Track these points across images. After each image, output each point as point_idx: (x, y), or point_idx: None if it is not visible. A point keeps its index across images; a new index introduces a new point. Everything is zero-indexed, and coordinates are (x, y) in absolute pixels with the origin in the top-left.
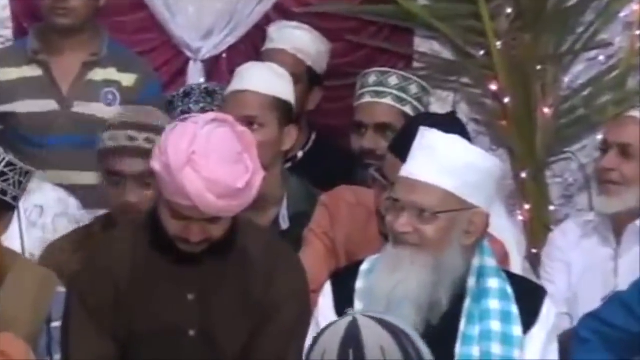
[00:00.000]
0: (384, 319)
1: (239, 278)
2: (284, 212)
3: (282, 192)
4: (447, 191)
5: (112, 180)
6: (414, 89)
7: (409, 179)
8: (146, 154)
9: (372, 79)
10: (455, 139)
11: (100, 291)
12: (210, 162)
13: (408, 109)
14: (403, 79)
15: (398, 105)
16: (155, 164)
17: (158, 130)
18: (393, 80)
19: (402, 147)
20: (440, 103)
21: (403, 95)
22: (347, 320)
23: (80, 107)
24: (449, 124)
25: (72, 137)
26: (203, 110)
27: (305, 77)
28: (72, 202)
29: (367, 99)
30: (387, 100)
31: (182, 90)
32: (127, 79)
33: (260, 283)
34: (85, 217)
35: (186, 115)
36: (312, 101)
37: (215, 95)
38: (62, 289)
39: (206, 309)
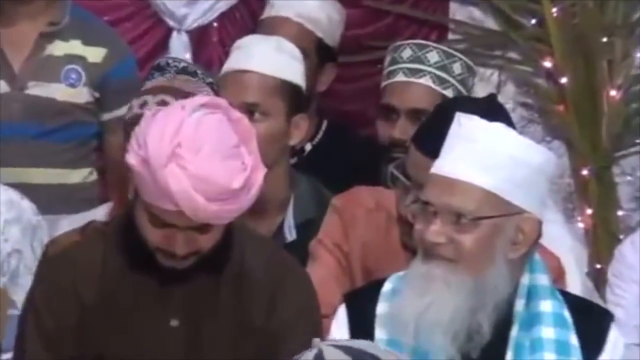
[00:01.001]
0: (351, 347)
1: (235, 300)
2: (289, 220)
3: (287, 194)
4: (490, 192)
5: None
6: (457, 68)
7: (442, 177)
8: None
9: (407, 53)
10: (499, 128)
11: (61, 311)
12: (200, 157)
13: (449, 93)
14: (445, 55)
15: (438, 88)
16: (132, 159)
17: None
18: (433, 56)
19: (428, 139)
20: (482, 84)
21: (444, 76)
22: (313, 352)
23: (37, 89)
24: (488, 109)
25: (26, 126)
26: None
27: (315, 52)
28: (27, 206)
29: (400, 77)
30: (425, 81)
31: (155, 62)
32: (94, 54)
33: (261, 307)
34: (42, 224)
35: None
36: (323, 81)
37: (195, 79)
38: (14, 312)
39: (194, 338)
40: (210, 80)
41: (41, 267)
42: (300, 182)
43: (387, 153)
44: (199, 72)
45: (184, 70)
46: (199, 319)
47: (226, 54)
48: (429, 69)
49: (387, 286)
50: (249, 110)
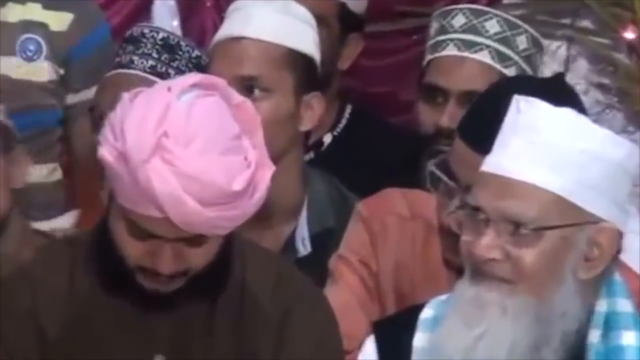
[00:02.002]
0: None
1: (235, 333)
2: (303, 230)
3: (300, 198)
4: (556, 195)
5: None
6: (522, 42)
7: (495, 176)
8: None
9: (459, 20)
10: (568, 116)
11: (17, 347)
12: (191, 150)
13: (510, 72)
14: (508, 25)
15: (497, 65)
16: (105, 153)
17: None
18: (492, 25)
19: (479, 129)
20: (545, 60)
21: (506, 51)
22: None
23: None
24: (554, 92)
25: None
26: (153, 72)
27: (336, 20)
28: None
29: (451, 51)
30: (482, 57)
31: (128, 33)
32: (58, 20)
33: (268, 341)
34: None
35: (121, 72)
36: (347, 56)
37: (177, 53)
38: None
39: None
40: (197, 54)
41: None
42: (316, 183)
43: (429, 146)
44: (182, 44)
45: (163, 43)
46: (189, 356)
47: (222, 22)
48: (487, 41)
49: (426, 313)
50: (247, 86)
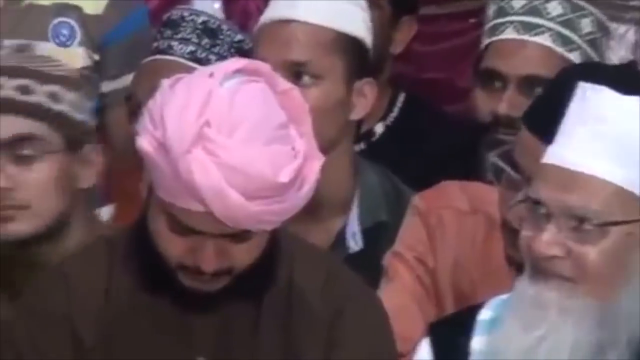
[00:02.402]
0: None
1: (281, 335)
2: (354, 224)
3: (351, 190)
4: (623, 189)
5: None
6: (586, 24)
7: (559, 168)
8: (19, 110)
9: (519, 2)
10: (637, 105)
11: (50, 351)
12: (235, 140)
13: (574, 57)
14: (571, 7)
15: (560, 49)
16: (144, 144)
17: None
18: (555, 7)
19: (544, 117)
20: (612, 44)
21: (569, 34)
22: None
23: None
24: (623, 79)
25: None
26: (193, 58)
27: (388, 1)
28: None
29: (510, 34)
30: (543, 40)
31: (166, 16)
32: (93, 3)
33: (317, 344)
34: None
35: (159, 58)
36: (399, 40)
37: (218, 37)
38: None
39: None
40: (239, 38)
41: (25, 293)
42: (367, 174)
43: (488, 135)
44: (224, 28)
45: (203, 27)
46: (232, 358)
47: (267, 4)
48: (549, 24)
49: (485, 314)
50: (295, 72)
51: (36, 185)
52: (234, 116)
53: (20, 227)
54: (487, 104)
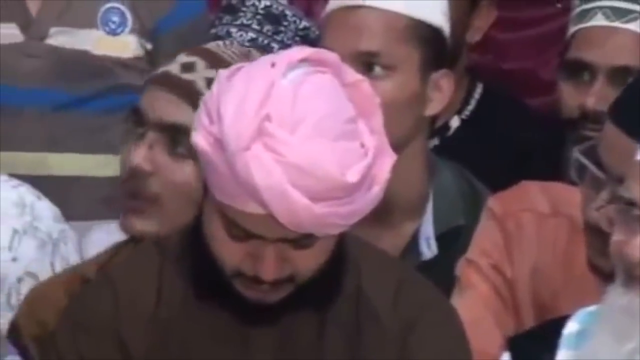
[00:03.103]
0: None
1: (348, 349)
2: (428, 229)
3: (425, 191)
4: None
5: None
6: None
7: None
8: (181, 91)
9: None
10: None
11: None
12: (299, 136)
13: None
14: None
15: None
16: (200, 140)
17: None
18: None
19: (633, 111)
20: None
21: None
22: None
23: (62, 38)
24: None
25: (47, 92)
26: (254, 45)
27: None
28: (45, 209)
29: (600, 21)
30: (636, 27)
31: (224, 1)
32: None
33: (388, 356)
34: (67, 235)
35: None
36: (477, 27)
37: (281, 24)
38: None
39: None
40: (304, 25)
41: (69, 299)
42: (443, 174)
43: (574, 131)
44: (287, 14)
45: (265, 12)
46: None
47: None
48: None
49: (571, 327)
50: (366, 62)
51: (180, 184)
52: (298, 110)
53: (146, 225)
54: (573, 98)
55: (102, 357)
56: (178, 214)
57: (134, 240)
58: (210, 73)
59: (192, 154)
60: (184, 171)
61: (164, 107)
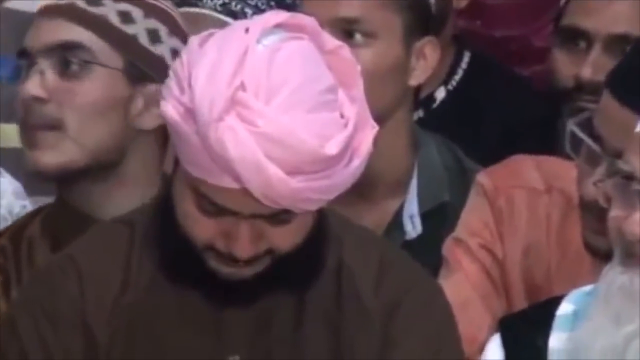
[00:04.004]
0: None
1: (329, 329)
2: (412, 206)
3: (408, 166)
4: None
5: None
6: None
7: None
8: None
9: None
10: None
11: (59, 350)
12: (274, 106)
13: None
14: None
15: None
16: (169, 110)
17: None
18: None
19: (632, 81)
20: None
21: None
22: None
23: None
24: None
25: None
26: (226, 10)
27: None
28: (4, 184)
29: None
30: None
31: None
32: None
33: (370, 343)
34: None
35: (185, 11)
36: None
37: None
38: None
39: None
40: None
41: (28, 279)
42: (428, 148)
43: (568, 102)
44: None
45: None
46: (271, 356)
47: None
48: None
49: (564, 307)
50: (346, 30)
51: (79, 104)
52: (274, 78)
53: (52, 156)
54: (568, 67)
55: (67, 344)
56: (87, 136)
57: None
58: (120, 6)
59: (87, 69)
60: (82, 90)
61: (47, 31)
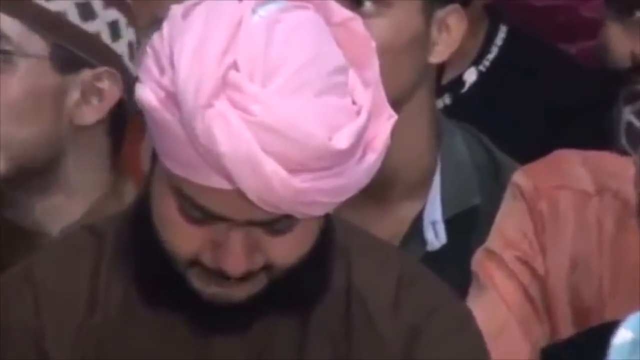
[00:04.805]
0: None
1: None
2: (434, 211)
3: (431, 163)
4: None
5: None
6: None
7: None
8: None
9: None
10: None
11: None
12: (272, 90)
13: None
14: None
15: None
16: (147, 94)
17: None
18: None
19: None
20: None
21: None
22: None
23: None
24: None
25: None
26: None
27: None
28: None
29: None
30: None
31: None
32: None
33: None
34: None
35: None
36: None
37: None
38: None
39: None
40: None
41: None
42: (454, 141)
43: (624, 86)
44: None
45: None
46: None
47: None
48: None
49: (622, 335)
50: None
51: None
52: (272, 56)
53: None
54: (623, 43)
55: None
56: (10, 141)
57: None
58: None
59: (5, 61)
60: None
61: None
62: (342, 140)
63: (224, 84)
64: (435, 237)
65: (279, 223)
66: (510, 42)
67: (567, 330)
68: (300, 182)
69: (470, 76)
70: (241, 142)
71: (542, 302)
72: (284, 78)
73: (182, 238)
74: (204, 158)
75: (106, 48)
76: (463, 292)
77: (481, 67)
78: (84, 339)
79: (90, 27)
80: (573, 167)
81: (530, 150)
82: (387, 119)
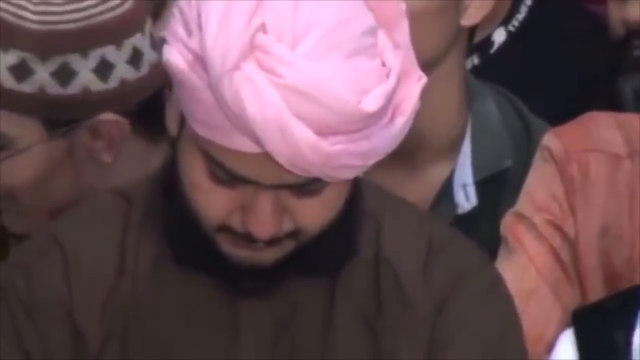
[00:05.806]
0: None
1: (365, 326)
2: (465, 173)
3: (461, 125)
4: None
5: None
6: None
7: None
8: None
9: None
10: None
11: (40, 348)
12: (301, 52)
13: None
14: None
15: None
16: (175, 56)
17: None
18: None
19: None
20: None
21: None
22: None
23: None
24: None
25: None
26: None
27: None
28: None
29: None
30: None
31: None
32: None
33: (415, 338)
34: None
35: None
36: None
37: None
38: None
39: None
40: None
41: (4, 266)
42: (484, 102)
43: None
44: None
45: None
46: (296, 357)
47: None
48: None
49: None
50: None
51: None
52: (301, 18)
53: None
54: (617, 11)
55: (49, 343)
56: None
57: None
58: None
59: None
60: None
61: None
62: (371, 103)
63: (252, 47)
64: (466, 199)
65: (307, 186)
66: (539, 3)
67: (597, 293)
68: (329, 145)
69: (499, 36)
70: (270, 106)
71: (572, 265)
72: (313, 40)
73: (211, 201)
74: (233, 121)
75: (96, 94)
76: (493, 255)
77: (510, 27)
78: (112, 309)
79: (70, 89)
80: (604, 129)
81: (562, 111)
82: (417, 82)
